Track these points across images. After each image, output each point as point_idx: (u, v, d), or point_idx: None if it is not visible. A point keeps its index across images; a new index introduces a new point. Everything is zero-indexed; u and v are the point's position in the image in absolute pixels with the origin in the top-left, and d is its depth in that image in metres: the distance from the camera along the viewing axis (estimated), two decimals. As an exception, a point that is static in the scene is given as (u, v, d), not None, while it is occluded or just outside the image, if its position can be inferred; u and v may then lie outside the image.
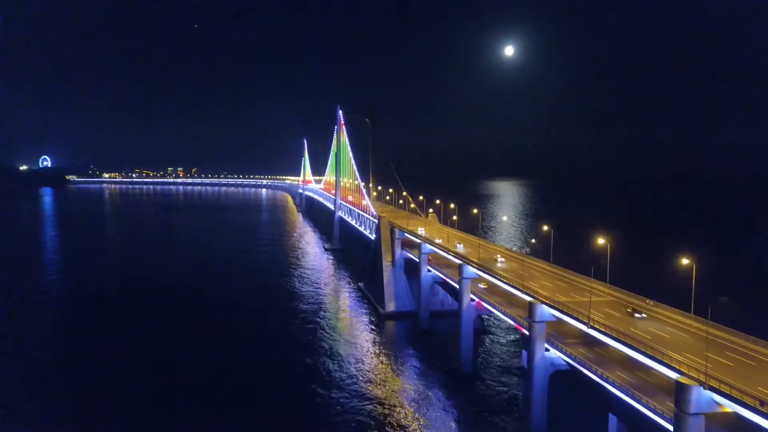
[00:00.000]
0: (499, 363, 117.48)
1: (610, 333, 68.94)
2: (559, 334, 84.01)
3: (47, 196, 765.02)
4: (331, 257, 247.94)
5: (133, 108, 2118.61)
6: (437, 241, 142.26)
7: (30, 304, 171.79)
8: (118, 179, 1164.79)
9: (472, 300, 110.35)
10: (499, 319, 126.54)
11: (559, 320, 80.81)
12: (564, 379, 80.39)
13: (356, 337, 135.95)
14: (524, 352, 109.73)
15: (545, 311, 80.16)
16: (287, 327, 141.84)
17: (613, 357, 75.23)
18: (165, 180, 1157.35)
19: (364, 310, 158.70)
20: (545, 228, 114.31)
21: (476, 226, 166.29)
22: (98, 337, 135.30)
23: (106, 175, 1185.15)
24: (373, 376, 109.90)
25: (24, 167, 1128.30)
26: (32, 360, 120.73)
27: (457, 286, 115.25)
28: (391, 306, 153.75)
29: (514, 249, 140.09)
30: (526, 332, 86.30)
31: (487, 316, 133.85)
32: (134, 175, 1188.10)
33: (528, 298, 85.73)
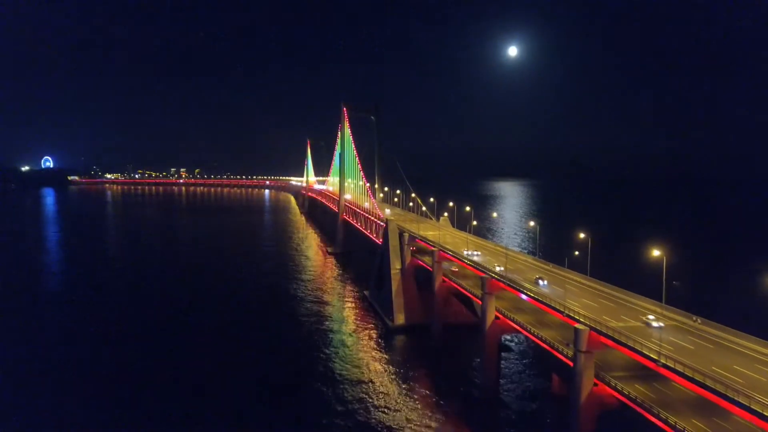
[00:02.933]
0: (525, 389, 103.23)
1: (690, 375, 55.09)
2: (602, 362, 70.52)
3: (49, 196, 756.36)
4: (335, 262, 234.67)
5: (136, 108, 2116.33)
6: (465, 251, 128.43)
7: (29, 305, 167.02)
8: (121, 180, 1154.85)
9: (497, 317, 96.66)
10: (522, 336, 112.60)
11: (608, 348, 67.21)
12: (616, 418, 66.78)
13: (361, 354, 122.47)
14: (554, 377, 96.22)
15: (594, 339, 66.39)
16: (286, 340, 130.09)
17: (677, 394, 61.85)
18: (168, 181, 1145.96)
19: (370, 323, 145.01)
20: (581, 235, 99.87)
21: (490, 230, 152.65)
22: (98, 338, 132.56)
23: (109, 176, 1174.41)
24: (380, 399, 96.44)
25: (26, 168, 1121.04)
26: (32, 359, 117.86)
27: (478, 301, 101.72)
28: (400, 318, 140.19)
29: (539, 257, 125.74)
30: (567, 360, 72.78)
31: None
32: (137, 176, 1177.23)
33: (573, 323, 71.87)
